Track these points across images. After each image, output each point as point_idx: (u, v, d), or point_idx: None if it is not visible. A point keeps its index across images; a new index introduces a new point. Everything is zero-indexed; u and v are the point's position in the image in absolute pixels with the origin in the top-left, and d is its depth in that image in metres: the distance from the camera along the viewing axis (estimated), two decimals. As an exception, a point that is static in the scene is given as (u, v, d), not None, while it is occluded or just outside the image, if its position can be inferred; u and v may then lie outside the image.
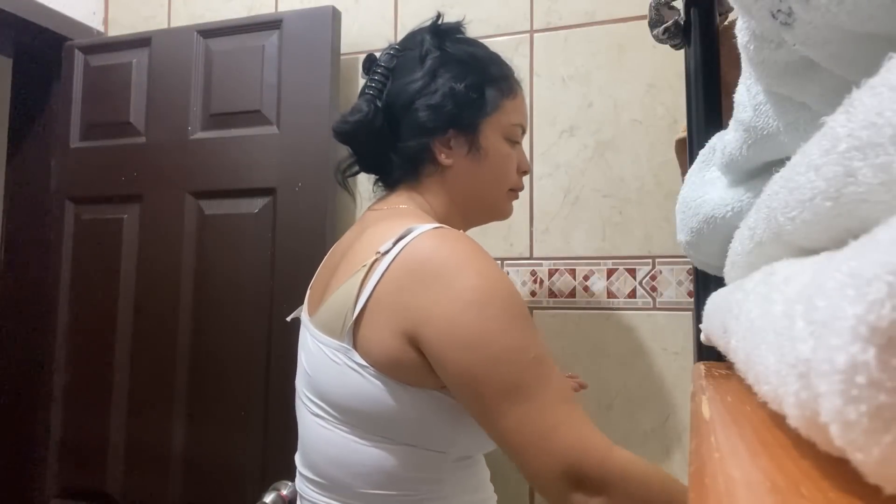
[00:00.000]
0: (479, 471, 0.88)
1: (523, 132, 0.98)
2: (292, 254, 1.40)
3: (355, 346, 0.77)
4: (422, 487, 0.79)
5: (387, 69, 0.92)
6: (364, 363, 0.77)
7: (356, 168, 0.98)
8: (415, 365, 0.75)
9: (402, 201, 0.91)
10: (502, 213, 1.00)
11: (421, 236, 0.77)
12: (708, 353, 0.64)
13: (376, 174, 0.98)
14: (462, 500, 0.83)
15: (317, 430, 0.82)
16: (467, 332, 0.72)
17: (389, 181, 0.95)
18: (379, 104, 0.91)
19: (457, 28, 0.97)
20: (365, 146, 0.94)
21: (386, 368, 0.76)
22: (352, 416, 0.79)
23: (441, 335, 0.73)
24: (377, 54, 0.95)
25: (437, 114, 0.88)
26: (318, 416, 0.82)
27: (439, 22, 0.95)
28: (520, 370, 0.71)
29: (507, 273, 1.40)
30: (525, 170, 0.99)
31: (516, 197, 1.00)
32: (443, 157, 0.90)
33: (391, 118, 0.91)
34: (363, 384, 0.77)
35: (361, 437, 0.79)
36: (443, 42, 0.92)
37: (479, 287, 0.73)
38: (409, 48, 0.93)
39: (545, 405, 0.70)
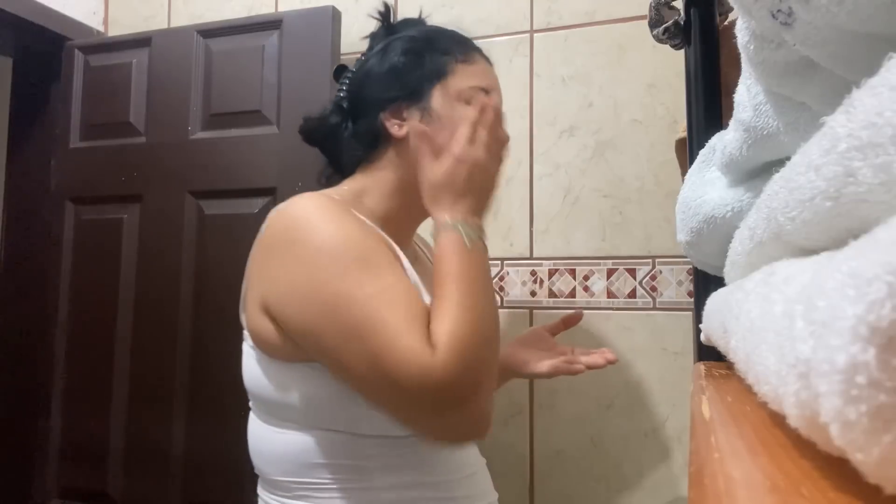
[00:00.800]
0: (416, 451, 0.79)
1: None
2: (292, 254, 1.39)
3: (248, 329, 0.80)
4: (339, 474, 0.75)
5: (353, 72, 0.93)
6: (252, 344, 0.80)
7: (331, 172, 0.97)
8: (277, 338, 0.75)
9: (348, 184, 0.90)
10: None
11: (276, 208, 0.79)
12: (708, 353, 0.64)
13: (345, 174, 0.95)
14: (393, 484, 0.77)
15: (248, 421, 0.84)
16: (301, 285, 0.72)
17: (349, 171, 0.93)
18: (344, 105, 0.92)
19: (415, 19, 0.97)
20: (329, 144, 0.94)
21: (263, 346, 0.78)
22: (260, 403, 0.81)
23: (280, 296, 0.74)
24: (348, 64, 0.97)
25: (384, 85, 0.88)
26: (250, 407, 0.84)
27: (390, 14, 0.96)
28: (353, 312, 0.68)
29: (507, 273, 1.40)
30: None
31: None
32: (395, 129, 0.87)
33: (352, 111, 0.91)
34: (255, 366, 0.79)
35: (271, 423, 0.79)
36: (395, 29, 0.94)
37: (312, 241, 0.73)
38: (371, 48, 0.95)
39: (381, 342, 0.66)
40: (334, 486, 0.75)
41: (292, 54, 1.46)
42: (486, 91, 0.89)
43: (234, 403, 1.45)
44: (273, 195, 1.43)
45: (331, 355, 0.70)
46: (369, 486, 0.76)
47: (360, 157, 0.90)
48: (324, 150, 0.96)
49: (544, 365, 1.02)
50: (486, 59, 0.93)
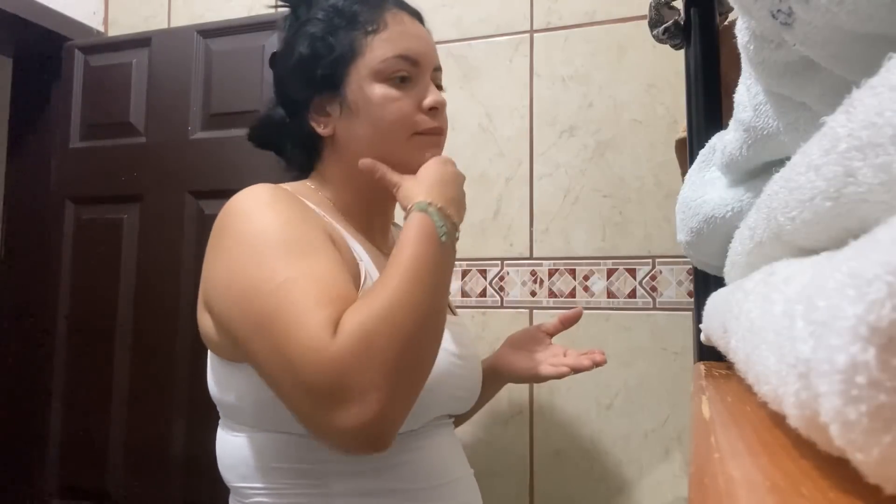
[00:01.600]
0: (379, 457, 0.69)
1: (415, 62, 0.80)
2: (292, 254, 1.39)
3: (199, 327, 0.77)
4: (294, 479, 0.70)
5: (275, 69, 0.87)
6: (207, 345, 0.77)
7: (296, 174, 0.90)
8: (216, 335, 0.72)
9: (309, 179, 0.86)
10: (418, 163, 0.80)
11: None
12: (708, 353, 0.64)
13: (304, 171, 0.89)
14: (352, 490, 0.70)
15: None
16: (221, 276, 0.68)
17: (304, 168, 0.88)
18: (278, 100, 0.86)
19: None
20: (279, 143, 0.88)
21: (210, 345, 0.75)
22: (218, 406, 0.77)
23: (209, 288, 0.71)
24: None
25: (297, 84, 0.81)
26: None
27: None
28: (264, 301, 0.62)
29: (507, 273, 1.40)
30: (432, 105, 0.80)
31: (434, 141, 0.83)
32: (321, 128, 0.81)
33: (286, 108, 0.85)
34: (209, 368, 0.77)
35: (227, 426, 0.76)
36: (298, 9, 0.85)
37: (236, 230, 0.69)
38: (282, 38, 0.87)
39: (291, 330, 0.60)
40: (290, 492, 0.70)
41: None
42: (403, 57, 0.79)
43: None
44: (273, 195, 1.43)
45: (244, 348, 0.65)
46: (326, 492, 0.70)
47: (308, 159, 0.86)
48: (278, 152, 0.89)
49: (532, 370, 0.95)
50: (405, 11, 0.83)
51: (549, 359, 0.96)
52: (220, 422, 0.78)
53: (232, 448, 0.74)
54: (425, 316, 0.63)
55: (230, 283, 0.67)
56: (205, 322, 0.74)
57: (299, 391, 0.59)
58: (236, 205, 0.72)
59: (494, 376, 1.00)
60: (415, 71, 0.80)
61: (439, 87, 0.84)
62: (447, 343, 0.79)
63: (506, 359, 1.00)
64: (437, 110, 0.81)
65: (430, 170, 0.76)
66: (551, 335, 1.01)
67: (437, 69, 0.85)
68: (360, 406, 0.57)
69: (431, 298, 0.64)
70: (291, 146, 0.86)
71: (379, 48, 0.78)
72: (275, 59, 0.88)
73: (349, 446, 0.60)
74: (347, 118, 0.79)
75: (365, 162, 0.78)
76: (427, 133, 0.81)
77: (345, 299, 0.63)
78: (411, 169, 0.79)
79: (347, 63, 0.79)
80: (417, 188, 0.73)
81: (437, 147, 0.83)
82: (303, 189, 0.82)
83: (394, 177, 0.77)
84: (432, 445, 0.79)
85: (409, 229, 0.67)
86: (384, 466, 0.72)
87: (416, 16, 0.86)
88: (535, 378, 0.97)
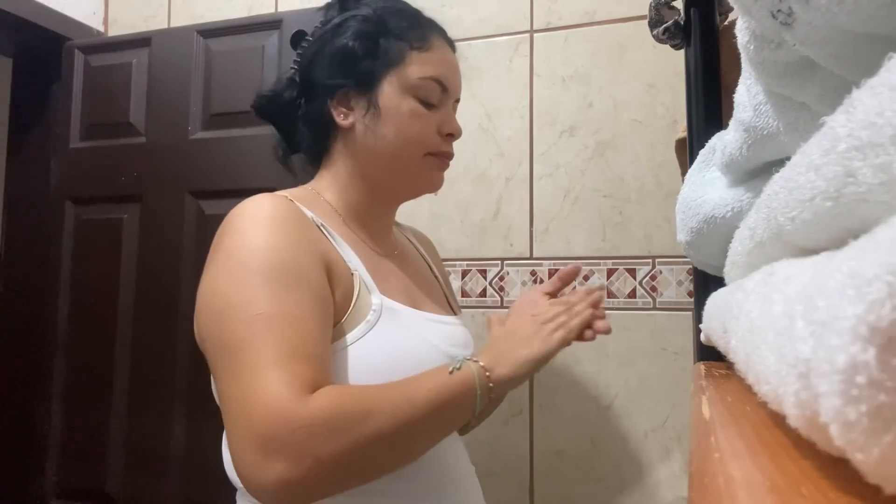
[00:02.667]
0: None
1: (445, 89, 0.85)
2: (292, 254, 1.39)
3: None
4: None
5: (306, 49, 0.87)
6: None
7: (286, 148, 0.92)
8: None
9: (313, 181, 0.87)
10: (424, 181, 0.86)
11: None
12: (708, 353, 0.64)
13: (301, 152, 0.91)
14: (357, 491, 0.69)
15: None
16: (206, 290, 0.69)
17: (310, 158, 0.89)
18: (297, 79, 0.87)
19: None
20: (280, 120, 0.89)
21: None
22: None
23: (197, 301, 0.71)
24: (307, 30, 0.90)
25: (330, 70, 0.82)
26: None
27: None
28: (235, 327, 0.63)
29: (507, 273, 1.40)
30: (450, 132, 0.86)
31: (443, 165, 0.87)
32: (340, 119, 0.83)
33: (303, 90, 0.86)
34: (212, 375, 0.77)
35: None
36: (349, 3, 0.87)
37: (228, 246, 0.69)
38: (324, 21, 0.88)
39: (253, 367, 0.60)
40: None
41: (292, 54, 1.46)
42: (439, 82, 0.83)
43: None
44: (273, 195, 1.43)
45: (209, 363, 0.66)
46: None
47: (314, 147, 0.87)
48: (276, 126, 0.91)
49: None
50: (446, 40, 0.88)
51: None
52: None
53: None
54: (404, 445, 0.63)
55: (211, 299, 0.68)
56: (196, 329, 0.75)
57: (241, 428, 0.59)
58: (235, 218, 0.73)
59: None
60: (443, 97, 0.85)
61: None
62: (444, 346, 0.81)
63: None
64: (452, 137, 0.87)
65: (514, 334, 0.76)
66: (552, 295, 0.95)
67: (458, 100, 0.90)
68: (290, 468, 0.57)
69: (420, 438, 0.65)
70: (303, 125, 0.87)
71: (419, 65, 0.83)
72: (300, 39, 0.89)
73: (260, 497, 0.60)
74: (372, 118, 0.82)
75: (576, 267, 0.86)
76: (438, 155, 0.85)
77: (315, 359, 0.63)
78: (412, 182, 0.86)
79: (388, 69, 0.82)
80: (495, 346, 0.74)
81: (443, 171, 0.88)
82: (304, 195, 0.83)
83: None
84: (435, 446, 0.78)
85: (455, 377, 0.67)
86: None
87: (453, 48, 0.90)
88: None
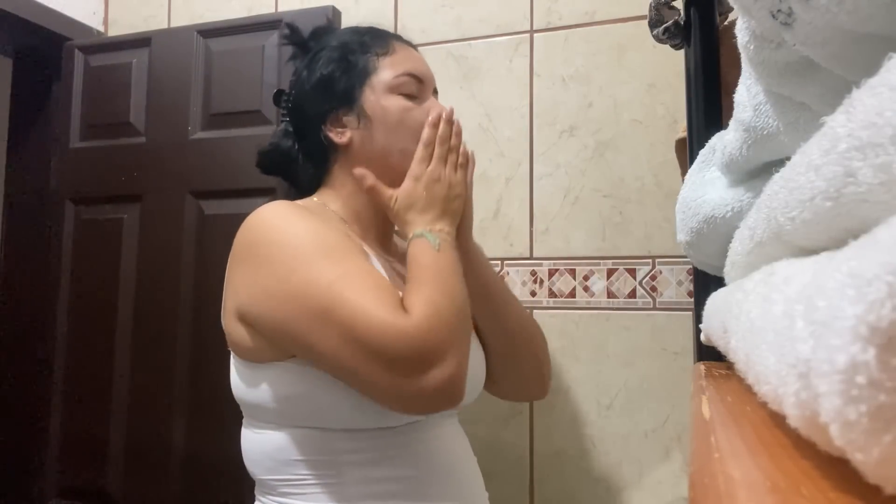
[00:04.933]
0: (389, 445, 0.79)
1: (421, 80, 0.90)
2: (292, 254, 1.39)
3: (227, 335, 0.83)
4: (313, 470, 0.77)
5: (291, 96, 0.95)
6: (231, 350, 0.83)
7: (295, 193, 0.98)
8: (249, 341, 0.78)
9: (316, 195, 0.93)
10: None
11: (244, 221, 0.82)
12: (708, 353, 0.64)
13: (308, 192, 0.97)
14: (365, 478, 0.77)
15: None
16: (268, 283, 0.75)
17: (313, 186, 0.95)
18: (290, 129, 0.95)
19: (324, 27, 1.00)
20: (287, 169, 0.96)
21: (238, 351, 0.81)
22: (243, 406, 0.84)
23: (251, 299, 0.77)
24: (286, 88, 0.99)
25: (315, 101, 0.90)
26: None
27: (297, 33, 0.98)
28: (320, 297, 0.70)
29: (507, 273, 1.40)
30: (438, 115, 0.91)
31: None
32: (338, 138, 0.89)
33: (297, 133, 0.94)
34: (235, 371, 0.83)
35: (253, 425, 0.82)
36: (307, 44, 0.96)
37: (273, 240, 0.76)
38: (295, 69, 0.97)
39: (348, 316, 0.69)
40: (311, 482, 0.77)
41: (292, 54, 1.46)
42: (412, 75, 0.89)
43: (234, 403, 1.45)
44: (273, 195, 1.43)
45: (305, 343, 0.72)
46: (340, 480, 0.77)
47: (317, 174, 0.93)
48: (285, 177, 0.98)
49: None
50: (408, 44, 0.95)
51: None
52: (244, 421, 0.85)
53: (257, 445, 0.81)
54: (463, 298, 0.76)
55: (278, 288, 0.74)
56: (237, 331, 0.80)
57: (379, 365, 0.68)
58: (260, 221, 0.80)
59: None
60: (421, 88, 0.91)
61: None
62: None
63: None
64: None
65: (410, 196, 0.84)
66: None
67: (436, 91, 0.95)
68: (442, 367, 0.68)
69: (460, 287, 0.77)
70: (304, 160, 0.94)
71: (390, 67, 0.89)
72: (281, 95, 0.97)
73: (434, 404, 0.71)
74: (365, 127, 0.88)
75: (359, 171, 0.86)
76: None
77: (392, 289, 0.73)
78: None
79: (363, 80, 0.89)
80: (409, 218, 0.83)
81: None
82: (312, 205, 0.89)
83: (385, 192, 0.85)
84: (439, 435, 0.84)
85: (415, 250, 0.79)
86: (395, 455, 0.79)
87: (415, 48, 0.97)
88: None
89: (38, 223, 1.69)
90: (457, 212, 0.85)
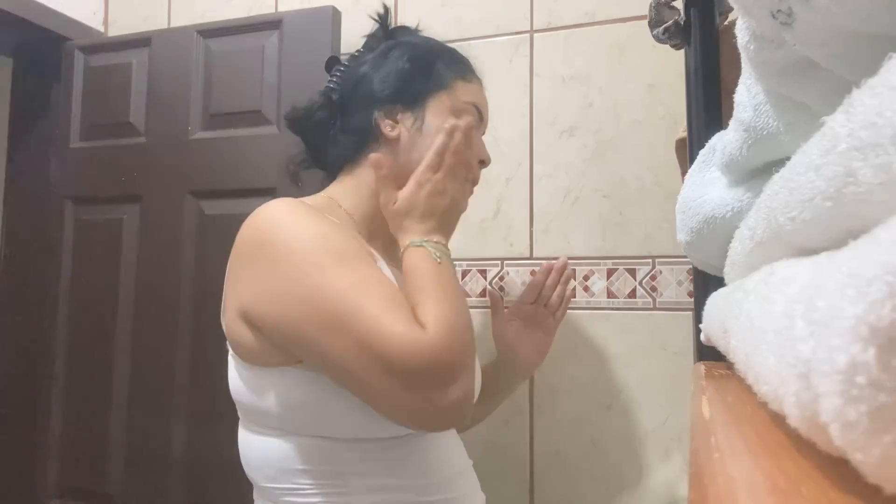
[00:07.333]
0: (393, 455, 0.78)
1: (481, 119, 0.95)
2: (292, 254, 1.39)
3: (227, 336, 0.80)
4: (318, 479, 0.75)
5: (347, 67, 0.95)
6: (231, 351, 0.80)
7: (307, 163, 0.98)
8: (254, 343, 0.75)
9: (328, 189, 0.92)
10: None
11: (248, 217, 0.80)
12: (708, 353, 0.64)
13: (325, 168, 0.96)
14: (370, 487, 0.76)
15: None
16: (278, 285, 0.73)
17: (334, 168, 0.94)
18: (334, 97, 0.93)
19: (411, 28, 1.00)
20: (313, 135, 0.95)
21: (241, 353, 0.78)
22: (242, 409, 0.81)
23: (258, 299, 0.74)
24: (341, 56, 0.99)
25: (383, 85, 0.89)
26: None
27: (388, 17, 0.98)
28: (333, 302, 0.68)
29: (507, 273, 1.40)
30: (482, 159, 0.95)
31: (470, 191, 0.93)
32: (388, 129, 0.88)
33: (343, 106, 0.92)
34: (235, 373, 0.80)
35: (253, 429, 0.80)
36: (395, 34, 0.96)
37: (283, 241, 0.74)
38: (369, 48, 0.96)
39: (365, 327, 0.67)
40: (314, 492, 0.75)
41: (292, 54, 1.46)
42: (478, 109, 0.92)
43: (234, 404, 1.45)
44: (273, 195, 1.43)
45: (314, 349, 0.70)
46: (346, 490, 0.75)
47: (347, 155, 0.91)
48: (307, 141, 0.96)
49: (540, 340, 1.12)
50: (481, 82, 0.97)
51: (545, 319, 1.11)
52: (241, 423, 0.82)
53: (258, 451, 0.79)
54: (467, 313, 0.74)
55: (289, 291, 0.71)
56: (239, 332, 0.77)
57: (394, 379, 0.66)
58: (268, 218, 0.77)
59: (509, 370, 1.10)
60: (479, 125, 0.94)
61: None
62: None
63: (514, 353, 1.12)
64: (483, 164, 0.96)
65: (411, 201, 0.82)
66: (532, 301, 1.15)
67: (484, 132, 0.99)
68: (457, 385, 0.67)
69: (462, 301, 0.75)
70: (343, 135, 0.92)
71: (462, 92, 0.91)
72: (335, 63, 0.97)
73: (446, 422, 0.70)
74: (418, 133, 0.88)
75: (375, 156, 0.83)
76: (471, 182, 0.92)
77: (405, 299, 0.71)
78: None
79: (437, 90, 0.89)
80: (406, 225, 0.81)
81: (468, 197, 0.92)
82: (321, 202, 0.87)
83: (390, 189, 0.83)
84: (438, 443, 0.84)
85: (415, 259, 0.77)
86: (396, 464, 0.78)
87: (482, 87, 0.99)
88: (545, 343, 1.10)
89: (38, 223, 1.69)
90: (452, 228, 0.84)
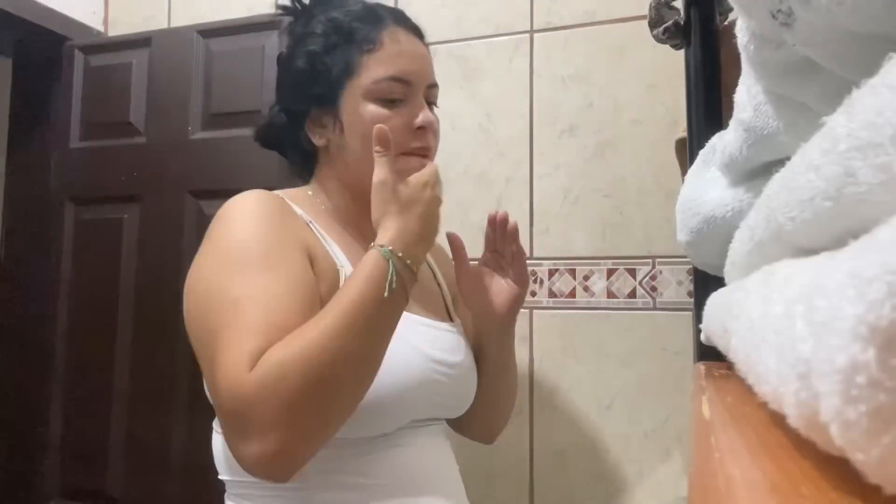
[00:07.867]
0: (358, 452, 0.73)
1: (406, 83, 0.81)
2: (292, 254, 1.39)
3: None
4: None
5: (278, 76, 0.91)
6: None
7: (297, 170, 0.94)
8: None
9: (315, 177, 0.89)
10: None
11: None
12: (708, 353, 0.64)
13: (304, 168, 0.92)
14: (330, 484, 0.72)
15: None
16: (190, 279, 0.73)
17: (304, 174, 0.91)
18: (275, 110, 0.90)
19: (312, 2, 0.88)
20: (279, 146, 0.92)
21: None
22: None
23: (188, 280, 0.74)
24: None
25: (295, 95, 0.85)
26: None
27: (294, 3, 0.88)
28: (211, 314, 0.67)
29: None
30: (420, 125, 0.81)
31: (424, 159, 0.82)
32: (316, 138, 0.84)
33: (287, 114, 0.88)
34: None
35: (215, 421, 0.79)
36: (303, 16, 0.87)
37: (214, 235, 0.74)
38: (287, 45, 0.90)
39: (218, 351, 0.64)
40: (269, 485, 0.71)
41: (292, 54, 1.46)
42: (396, 79, 0.80)
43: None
44: (273, 195, 1.43)
45: (196, 353, 0.71)
46: (304, 485, 0.71)
47: (307, 164, 0.89)
48: (282, 153, 0.93)
49: (498, 297, 0.90)
50: (404, 28, 0.84)
51: (498, 285, 0.91)
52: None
53: (217, 443, 0.79)
54: (349, 362, 0.64)
55: (195, 285, 0.72)
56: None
57: (220, 412, 0.66)
58: (224, 211, 0.77)
59: (485, 332, 0.93)
60: (407, 90, 0.81)
61: (432, 104, 0.86)
62: (428, 349, 0.80)
63: (478, 317, 0.93)
64: (425, 130, 0.82)
65: (411, 199, 0.73)
66: (488, 264, 0.94)
67: (432, 86, 0.85)
68: (261, 442, 0.60)
69: (361, 345, 0.65)
70: (291, 150, 0.90)
71: (373, 68, 0.80)
72: (280, 62, 0.91)
73: (252, 473, 0.63)
74: (340, 133, 0.82)
75: (381, 128, 0.74)
76: (413, 153, 0.81)
77: (282, 328, 0.64)
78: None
79: (343, 82, 0.81)
80: (390, 222, 0.71)
81: (422, 167, 0.79)
82: (300, 195, 0.86)
83: (381, 173, 0.73)
84: (412, 446, 0.79)
85: (365, 268, 0.67)
86: (364, 463, 0.74)
87: (415, 31, 0.86)
88: (511, 299, 0.90)
89: (38, 223, 1.69)
90: (435, 227, 0.75)
